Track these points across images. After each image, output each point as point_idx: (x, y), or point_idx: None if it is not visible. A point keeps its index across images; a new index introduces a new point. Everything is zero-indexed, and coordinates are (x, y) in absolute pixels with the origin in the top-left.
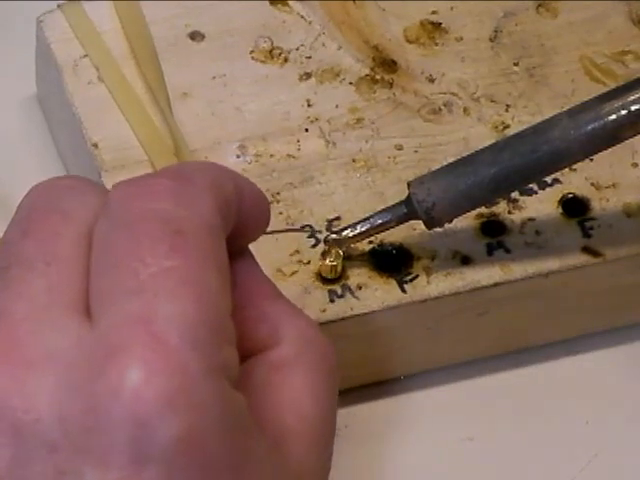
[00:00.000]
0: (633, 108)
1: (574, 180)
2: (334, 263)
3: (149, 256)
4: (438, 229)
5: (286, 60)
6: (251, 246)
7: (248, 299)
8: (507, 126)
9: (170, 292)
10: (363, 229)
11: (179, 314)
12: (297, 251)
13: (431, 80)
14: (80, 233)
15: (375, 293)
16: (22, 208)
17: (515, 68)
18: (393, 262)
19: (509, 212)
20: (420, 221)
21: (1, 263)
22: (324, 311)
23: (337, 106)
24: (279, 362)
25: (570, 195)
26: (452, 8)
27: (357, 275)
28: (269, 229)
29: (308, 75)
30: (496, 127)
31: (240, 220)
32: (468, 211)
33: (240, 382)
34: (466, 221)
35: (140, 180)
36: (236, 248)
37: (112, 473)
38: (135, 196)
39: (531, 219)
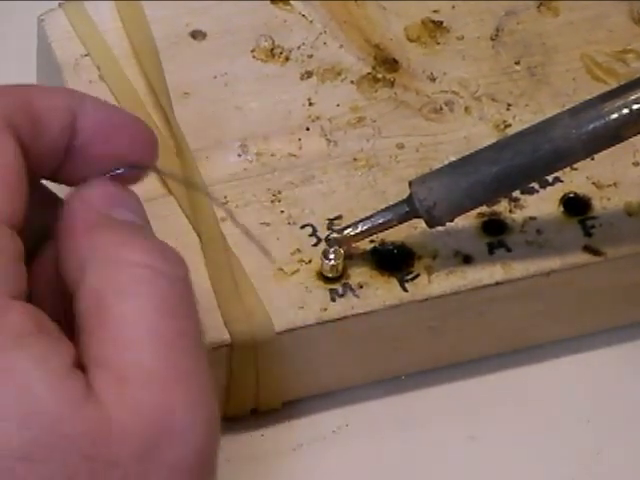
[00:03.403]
0: (635, 107)
1: (575, 179)
2: (335, 262)
3: None
4: (439, 228)
5: (287, 59)
6: (250, 245)
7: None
8: (508, 125)
9: None
10: (364, 228)
11: None
12: (298, 250)
13: (432, 79)
14: None
15: (376, 292)
16: None
17: (516, 67)
18: (394, 261)
19: (510, 211)
20: (421, 220)
21: None
22: (325, 310)
23: (338, 105)
24: (93, 294)
25: (571, 194)
26: (453, 7)
27: (358, 274)
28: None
29: (309, 74)
30: (497, 126)
31: (78, 139)
32: (469, 210)
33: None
34: (467, 220)
35: None
36: (81, 172)
37: None
38: None
39: (532, 218)
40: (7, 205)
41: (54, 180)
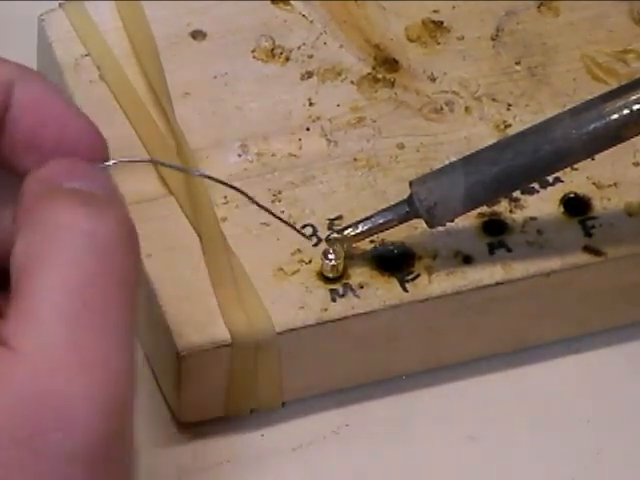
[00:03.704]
0: (635, 107)
1: (576, 179)
2: (335, 262)
3: None
4: (440, 228)
5: (287, 59)
6: (250, 245)
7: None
8: (509, 125)
9: None
10: (365, 228)
11: None
12: (299, 250)
13: (432, 79)
14: None
15: (376, 292)
16: None
17: (517, 67)
18: (394, 261)
19: (510, 211)
20: (422, 220)
21: None
22: (326, 310)
23: (339, 105)
24: (18, 260)
25: (571, 194)
26: (454, 7)
27: (358, 274)
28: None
29: (309, 74)
30: (498, 126)
31: (11, 112)
32: (470, 210)
33: None
34: (467, 220)
35: None
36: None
37: None
38: None
39: (532, 218)
40: None
41: None
